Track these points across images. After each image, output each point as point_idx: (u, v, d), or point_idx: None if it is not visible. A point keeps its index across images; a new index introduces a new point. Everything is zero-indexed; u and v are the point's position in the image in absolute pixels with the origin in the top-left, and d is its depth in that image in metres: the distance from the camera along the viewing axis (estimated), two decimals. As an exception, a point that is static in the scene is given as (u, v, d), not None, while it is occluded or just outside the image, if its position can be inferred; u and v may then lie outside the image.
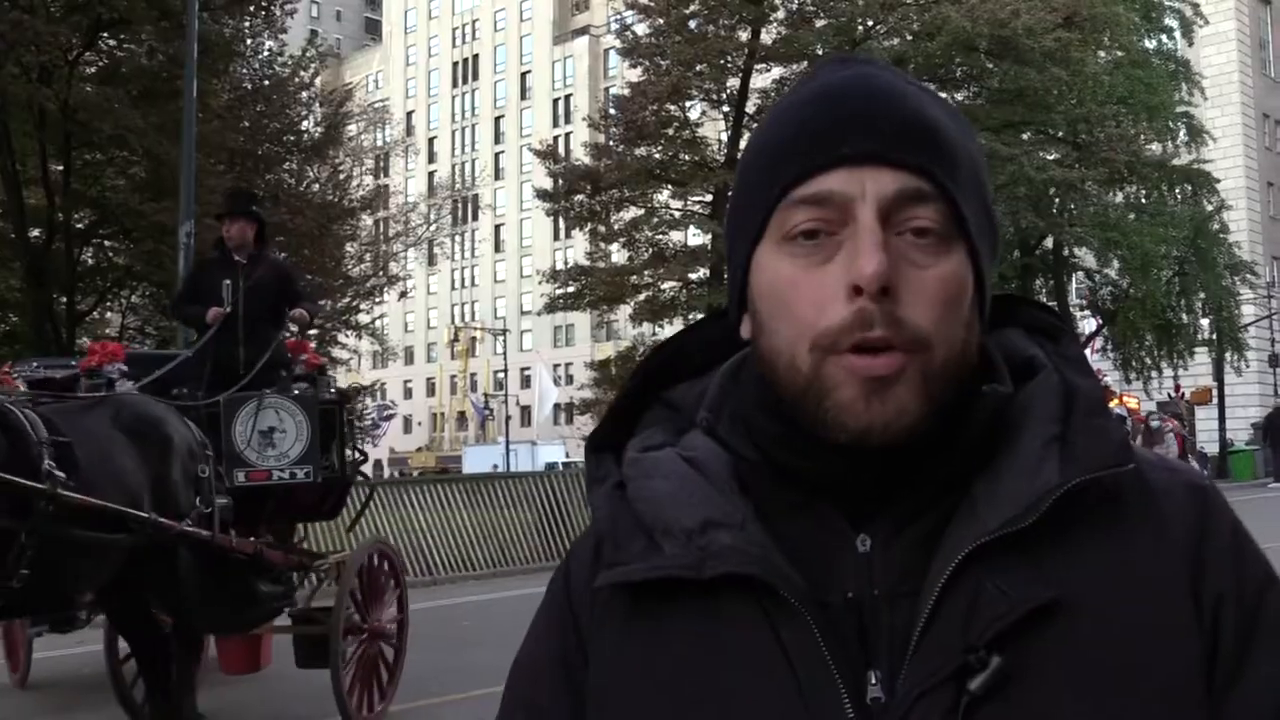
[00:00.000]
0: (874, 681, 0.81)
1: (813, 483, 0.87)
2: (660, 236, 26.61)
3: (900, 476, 0.85)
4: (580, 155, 30.79)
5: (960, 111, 0.93)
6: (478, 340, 74.10)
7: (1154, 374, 32.81)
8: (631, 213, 27.09)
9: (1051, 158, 26.67)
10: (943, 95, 0.94)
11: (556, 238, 71.62)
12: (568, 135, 70.81)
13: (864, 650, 0.83)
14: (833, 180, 0.84)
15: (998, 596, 0.80)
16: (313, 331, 30.68)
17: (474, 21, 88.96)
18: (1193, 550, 0.84)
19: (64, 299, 18.21)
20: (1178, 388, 32.39)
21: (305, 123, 25.50)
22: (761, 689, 0.82)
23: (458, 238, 73.55)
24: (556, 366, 63.71)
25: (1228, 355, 32.88)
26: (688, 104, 26.08)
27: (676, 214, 26.52)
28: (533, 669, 0.96)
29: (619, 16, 30.76)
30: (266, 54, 22.51)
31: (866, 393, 0.81)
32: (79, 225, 18.87)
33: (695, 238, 28.26)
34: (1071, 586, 0.81)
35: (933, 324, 0.82)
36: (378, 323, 34.99)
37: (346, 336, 31.81)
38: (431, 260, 60.86)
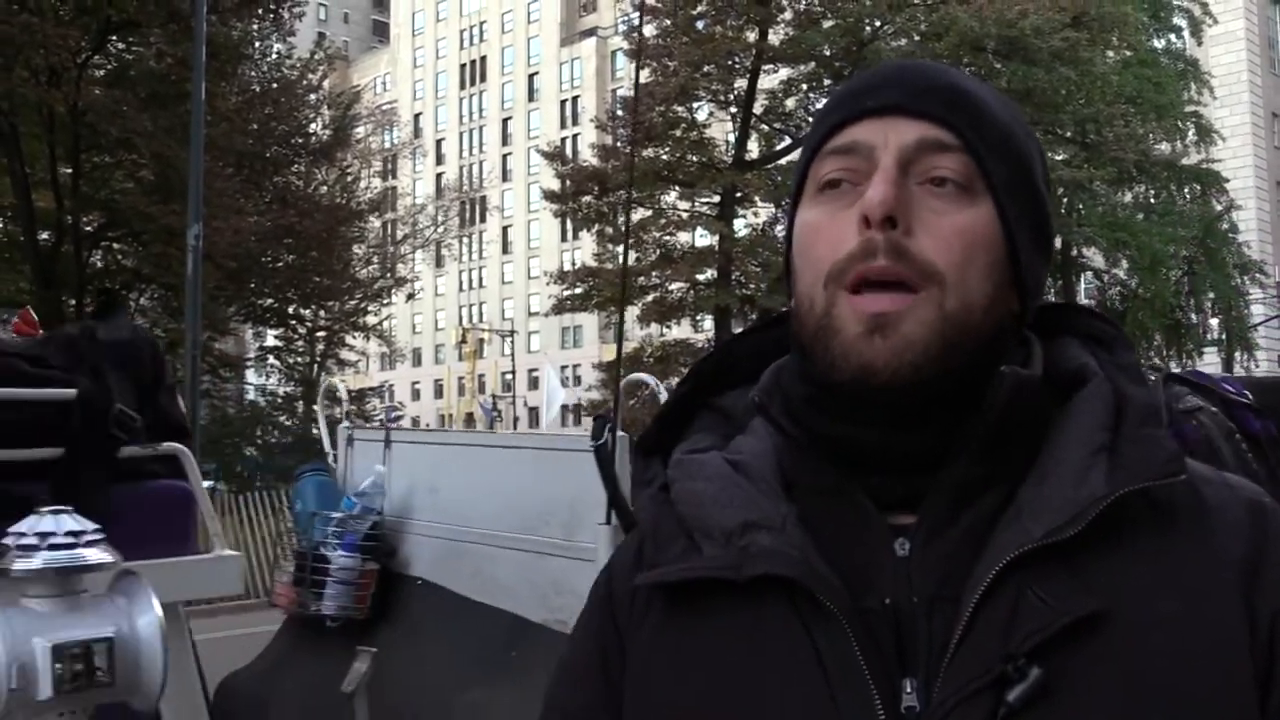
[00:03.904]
0: (909, 690, 0.80)
1: (844, 457, 0.86)
2: (668, 237, 26.58)
3: (922, 453, 0.84)
4: (588, 156, 30.78)
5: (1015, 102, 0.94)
6: (485, 342, 74.08)
7: (1163, 374, 32.73)
8: (639, 214, 27.09)
9: (1060, 157, 26.57)
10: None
11: (564, 239, 71.60)
12: (575, 136, 70.73)
13: (900, 657, 0.81)
14: (858, 131, 0.87)
15: (1039, 606, 0.78)
16: (320, 334, 30.83)
17: (481, 23, 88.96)
18: (1249, 567, 0.82)
19: (73, 301, 18.26)
20: (1188, 388, 32.29)
21: (313, 125, 25.61)
22: (794, 693, 0.81)
23: (465, 239, 73.59)
24: (564, 368, 63.60)
25: (1237, 355, 32.78)
26: (695, 105, 26.06)
27: (684, 215, 26.51)
28: (572, 670, 0.96)
29: (626, 18, 30.75)
30: (275, 56, 22.62)
31: (870, 329, 0.82)
32: (88, 228, 18.96)
33: (703, 239, 28.22)
34: (1116, 598, 0.79)
35: (945, 261, 0.83)
36: (385, 324, 35.13)
37: (355, 338, 31.95)
38: (439, 262, 60.98)
